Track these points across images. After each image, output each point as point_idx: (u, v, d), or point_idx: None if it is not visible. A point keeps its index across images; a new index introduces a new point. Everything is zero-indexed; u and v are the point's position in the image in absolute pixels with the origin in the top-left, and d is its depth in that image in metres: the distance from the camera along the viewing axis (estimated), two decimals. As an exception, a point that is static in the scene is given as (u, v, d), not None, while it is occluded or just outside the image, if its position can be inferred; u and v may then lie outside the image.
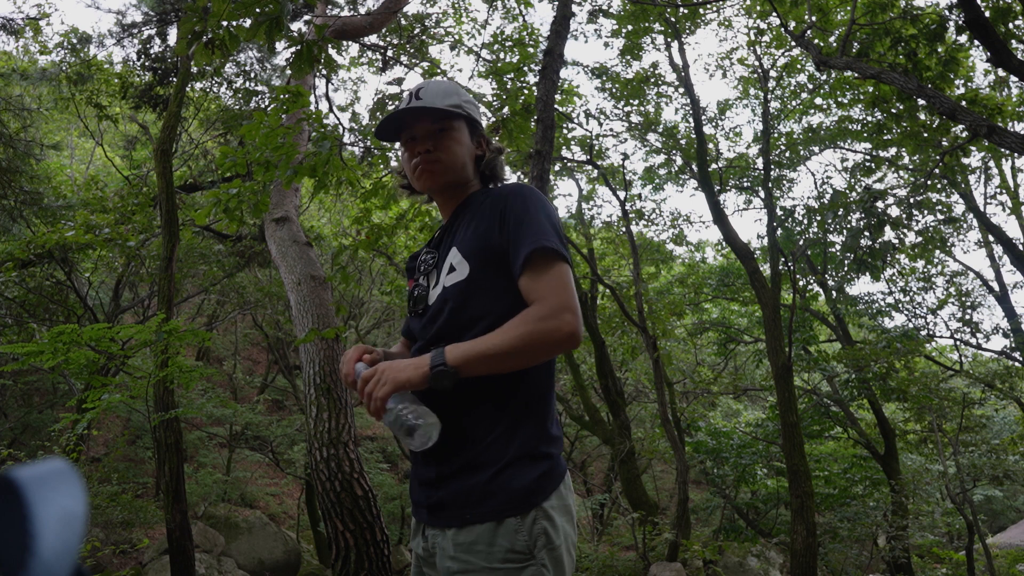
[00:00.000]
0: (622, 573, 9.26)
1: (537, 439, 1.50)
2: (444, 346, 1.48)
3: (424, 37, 10.38)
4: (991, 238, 10.37)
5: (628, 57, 12.02)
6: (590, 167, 12.94)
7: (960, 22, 7.40)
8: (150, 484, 11.53)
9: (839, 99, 11.06)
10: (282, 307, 12.61)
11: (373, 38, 10.11)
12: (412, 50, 10.17)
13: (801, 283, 11.79)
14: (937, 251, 10.62)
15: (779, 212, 11.73)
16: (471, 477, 1.48)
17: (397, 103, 1.78)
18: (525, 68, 10.24)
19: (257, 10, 4.14)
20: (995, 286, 10.89)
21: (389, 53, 10.21)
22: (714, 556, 10.08)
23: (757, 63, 12.15)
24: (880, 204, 9.70)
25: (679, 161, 13.13)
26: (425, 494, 1.57)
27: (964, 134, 8.41)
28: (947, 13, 7.89)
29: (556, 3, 6.97)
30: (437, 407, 1.51)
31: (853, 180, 10.76)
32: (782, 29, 9.94)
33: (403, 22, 10.16)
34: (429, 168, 1.71)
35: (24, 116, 9.85)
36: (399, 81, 8.14)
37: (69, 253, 9.12)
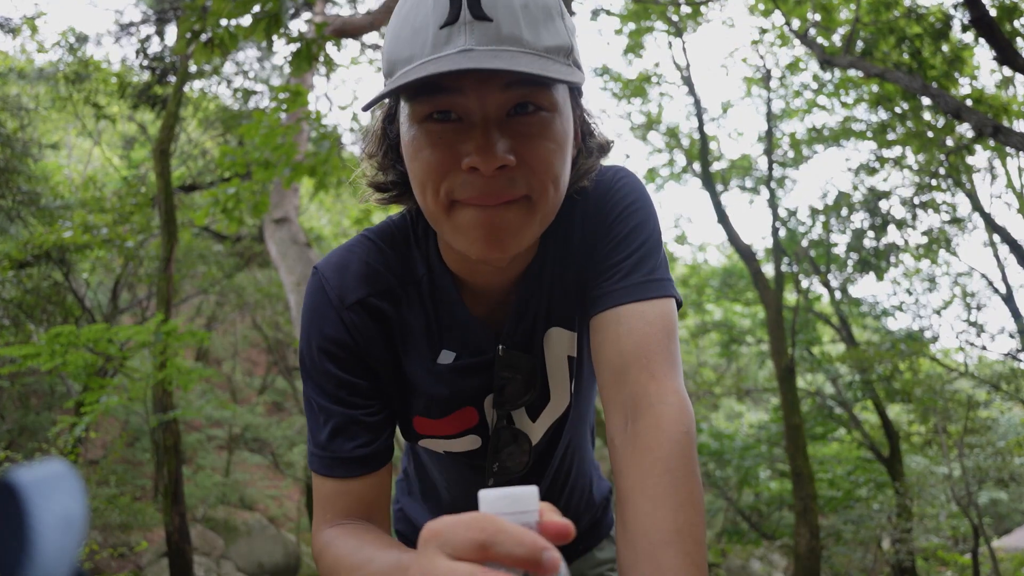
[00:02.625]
0: None
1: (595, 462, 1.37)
2: None
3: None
4: (996, 238, 10.32)
5: (630, 55, 11.98)
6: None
7: (965, 21, 7.34)
8: (148, 486, 11.46)
9: (842, 99, 11.00)
10: (281, 308, 12.55)
11: (374, 36, 10.05)
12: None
13: (804, 284, 11.72)
14: (942, 251, 10.57)
15: (782, 212, 11.67)
16: (584, 518, 1.29)
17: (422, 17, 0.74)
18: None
19: (256, 8, 4.08)
20: (1000, 287, 10.84)
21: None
22: (717, 559, 10.02)
23: (761, 61, 12.10)
24: (884, 204, 9.65)
25: (682, 161, 13.07)
26: None
27: (970, 133, 8.35)
28: (952, 11, 7.82)
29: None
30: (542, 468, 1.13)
31: (857, 180, 10.70)
32: (785, 28, 9.87)
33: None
34: (504, 222, 0.78)
35: (22, 115, 9.78)
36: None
37: (67, 254, 9.05)
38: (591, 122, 0.91)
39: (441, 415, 0.98)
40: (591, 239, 0.93)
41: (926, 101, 8.44)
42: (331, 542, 0.88)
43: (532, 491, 0.57)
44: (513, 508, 0.56)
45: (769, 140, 11.58)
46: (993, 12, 6.67)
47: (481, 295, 0.95)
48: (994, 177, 10.94)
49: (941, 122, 8.81)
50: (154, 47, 10.38)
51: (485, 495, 0.57)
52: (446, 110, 0.75)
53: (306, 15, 9.69)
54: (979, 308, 10.39)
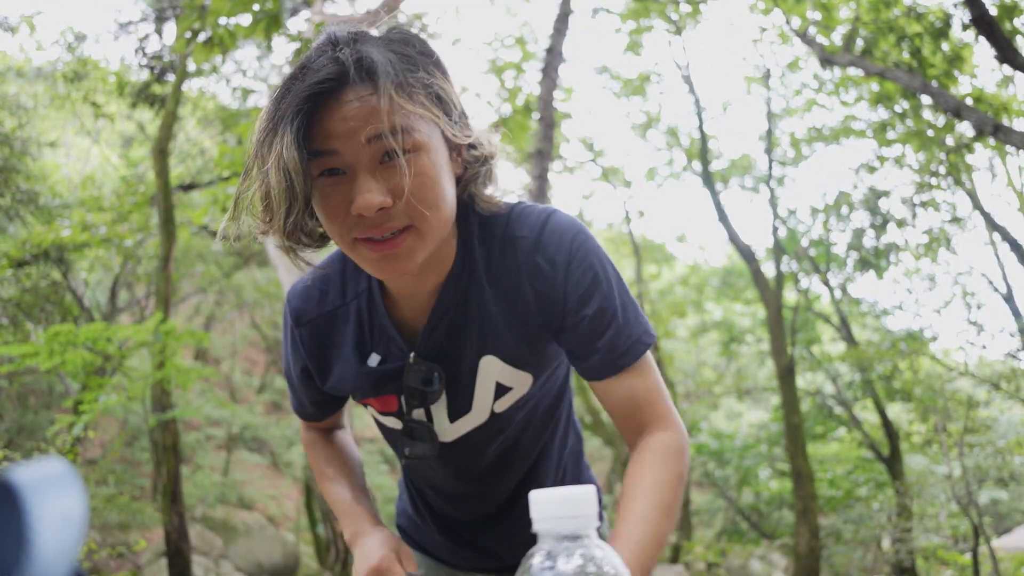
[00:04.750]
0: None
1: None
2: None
3: (423, 34, 10.31)
4: (996, 237, 10.31)
5: (630, 53, 11.96)
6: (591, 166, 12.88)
7: (965, 19, 7.33)
8: (147, 486, 11.44)
9: (842, 98, 10.98)
10: (280, 307, 12.51)
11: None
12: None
13: (804, 283, 11.72)
14: (942, 250, 10.55)
15: (782, 211, 11.66)
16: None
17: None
18: (524, 66, 10.18)
19: (256, 7, 4.06)
20: (1000, 286, 10.81)
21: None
22: (717, 559, 10.02)
23: (761, 59, 12.09)
24: (884, 203, 9.63)
25: (682, 160, 13.06)
26: (486, 556, 1.33)
27: (970, 132, 8.34)
28: (952, 10, 7.80)
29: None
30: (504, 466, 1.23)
31: (857, 179, 10.69)
32: (785, 26, 9.85)
33: (403, 19, 10.08)
34: (396, 252, 0.94)
35: (20, 114, 9.76)
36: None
37: (65, 252, 9.03)
38: (469, 137, 1.00)
39: (373, 396, 1.16)
40: (544, 300, 1.05)
41: (926, 100, 8.42)
42: (311, 443, 1.32)
43: (589, 491, 0.55)
44: (568, 512, 0.55)
45: (769, 139, 11.57)
46: (993, 11, 6.66)
47: (407, 303, 1.10)
48: (994, 176, 10.94)
49: (941, 121, 8.79)
50: (153, 46, 10.34)
51: (535, 495, 0.55)
52: (333, 168, 0.92)
53: (305, 14, 9.67)
54: (979, 307, 10.36)
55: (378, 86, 0.89)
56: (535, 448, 1.24)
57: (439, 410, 1.14)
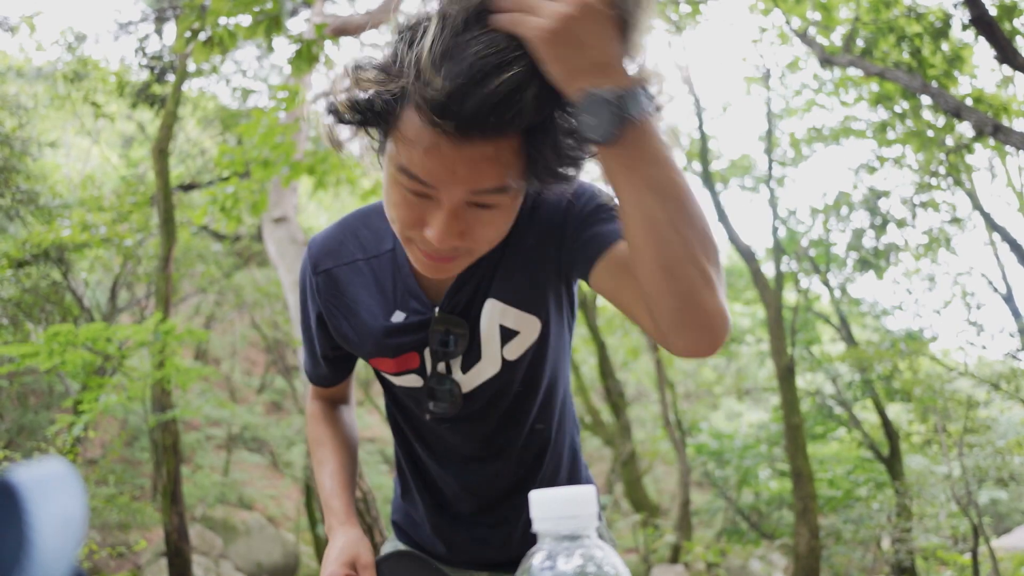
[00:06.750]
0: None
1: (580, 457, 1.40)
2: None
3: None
4: (996, 237, 10.31)
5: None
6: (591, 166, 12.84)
7: (965, 20, 7.33)
8: (147, 486, 11.44)
9: (842, 98, 10.97)
10: (280, 307, 12.52)
11: (373, 35, 10.04)
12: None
13: (804, 283, 11.71)
14: (942, 250, 10.55)
15: (782, 211, 11.65)
16: None
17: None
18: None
19: (256, 8, 4.06)
20: (1000, 286, 10.82)
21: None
22: (717, 559, 10.01)
23: (761, 60, 12.07)
24: (884, 203, 9.63)
25: (681, 160, 13.04)
26: (480, 550, 1.33)
27: (970, 132, 8.33)
28: (952, 10, 7.81)
29: None
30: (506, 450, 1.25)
31: (856, 179, 10.68)
32: (785, 27, 9.85)
33: (403, 20, 10.08)
34: (447, 265, 0.96)
35: (20, 114, 9.76)
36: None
37: (65, 252, 9.03)
38: (570, 184, 0.96)
39: (390, 357, 1.18)
40: (556, 232, 1.07)
41: (926, 100, 8.42)
42: (313, 415, 1.38)
43: (589, 491, 0.56)
44: (568, 512, 0.55)
45: (769, 139, 11.56)
46: (993, 11, 6.66)
47: None
48: (994, 176, 10.93)
49: (941, 121, 8.78)
50: (153, 46, 10.36)
51: (535, 496, 0.56)
52: (422, 180, 0.87)
53: (305, 14, 9.67)
54: (979, 307, 10.35)
55: (502, 144, 0.85)
56: (545, 414, 1.25)
57: (455, 363, 1.16)
